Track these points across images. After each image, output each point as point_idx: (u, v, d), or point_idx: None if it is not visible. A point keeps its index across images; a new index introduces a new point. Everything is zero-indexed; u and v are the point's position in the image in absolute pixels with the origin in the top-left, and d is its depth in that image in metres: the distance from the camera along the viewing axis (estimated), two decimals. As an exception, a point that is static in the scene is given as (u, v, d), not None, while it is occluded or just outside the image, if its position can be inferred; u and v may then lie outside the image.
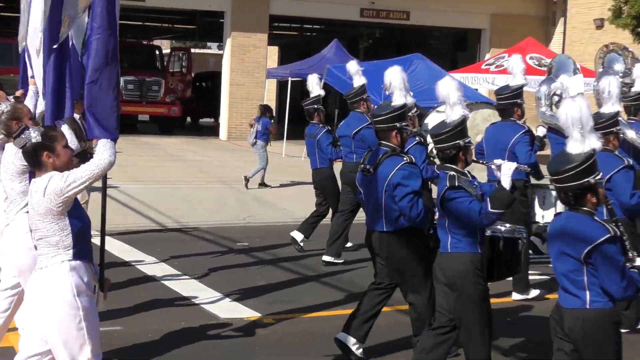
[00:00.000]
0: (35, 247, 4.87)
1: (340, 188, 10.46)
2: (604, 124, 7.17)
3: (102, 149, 4.76)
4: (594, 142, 4.69)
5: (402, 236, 6.41)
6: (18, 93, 7.90)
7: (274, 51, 36.75)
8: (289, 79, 24.54)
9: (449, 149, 5.71)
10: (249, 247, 11.05)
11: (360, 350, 6.57)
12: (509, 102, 8.69)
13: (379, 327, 6.84)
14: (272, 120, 16.75)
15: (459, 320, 5.67)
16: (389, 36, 34.03)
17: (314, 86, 10.96)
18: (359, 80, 10.15)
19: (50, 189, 4.57)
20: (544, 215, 7.77)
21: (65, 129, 5.98)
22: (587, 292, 4.62)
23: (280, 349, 6.93)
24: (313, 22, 34.33)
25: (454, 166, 5.69)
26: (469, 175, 5.73)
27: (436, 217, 6.39)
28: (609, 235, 4.54)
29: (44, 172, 4.67)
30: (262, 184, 16.09)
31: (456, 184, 5.55)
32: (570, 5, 29.91)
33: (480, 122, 8.71)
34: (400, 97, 6.60)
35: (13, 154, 5.85)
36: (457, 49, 34.00)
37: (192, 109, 33.82)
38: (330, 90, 28.88)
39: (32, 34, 6.62)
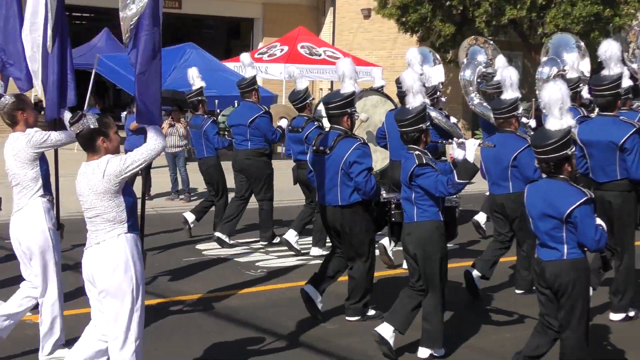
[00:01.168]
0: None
1: (224, 175, 11.13)
2: (506, 109, 8.08)
3: (155, 135, 5.37)
4: (570, 120, 5.53)
5: (355, 209, 7.23)
6: None
7: (41, 40, 35.54)
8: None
9: (413, 132, 6.51)
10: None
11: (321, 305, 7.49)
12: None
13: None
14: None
15: (424, 275, 6.50)
16: (162, 25, 33.57)
17: (195, 79, 11.20)
18: (250, 72, 10.75)
19: (110, 170, 5.12)
20: None
21: (67, 115, 6.56)
22: (565, 246, 5.50)
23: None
24: (82, 10, 33.11)
25: (417, 147, 6.49)
26: (429, 154, 6.53)
27: (382, 193, 7.47)
28: (586, 197, 5.38)
29: (97, 155, 5.21)
30: None
31: (424, 162, 6.35)
32: (338, -4, 31.05)
33: (370, 108, 9.58)
34: (350, 86, 7.35)
35: (24, 143, 6.24)
36: (230, 37, 34.09)
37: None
38: (105, 82, 28.01)
39: (29, 30, 7.01)
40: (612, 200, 7.60)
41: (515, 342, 6.64)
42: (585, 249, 5.61)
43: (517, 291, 8.50)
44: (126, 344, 5.26)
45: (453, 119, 11.75)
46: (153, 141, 5.36)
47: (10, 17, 7.25)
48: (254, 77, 10.68)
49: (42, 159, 6.43)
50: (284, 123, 10.70)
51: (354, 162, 7.10)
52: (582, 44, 12.29)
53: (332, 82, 28.62)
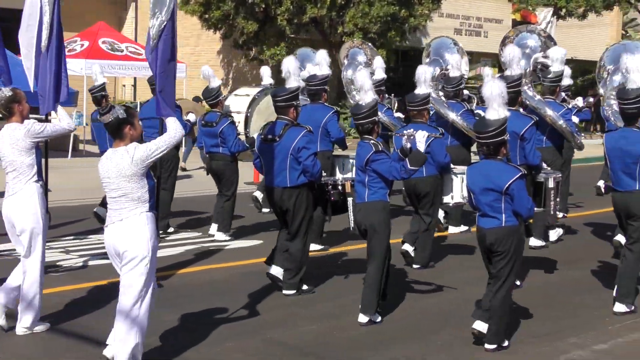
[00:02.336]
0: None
1: None
2: (420, 102, 9.29)
3: (174, 125, 6.21)
4: (505, 112, 6.65)
5: (301, 189, 8.24)
6: None
7: None
8: None
9: (368, 124, 7.52)
10: None
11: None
12: (318, 87, 10.50)
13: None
14: None
15: (371, 248, 7.49)
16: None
17: (98, 75, 11.89)
18: None
19: (137, 156, 5.91)
20: (344, 177, 9.48)
21: (60, 109, 7.61)
22: (503, 215, 6.61)
23: None
24: None
25: (371, 137, 7.47)
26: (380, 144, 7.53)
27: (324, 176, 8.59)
28: (520, 173, 6.51)
29: (124, 142, 5.98)
30: None
31: (380, 149, 7.33)
32: (140, -9, 30.51)
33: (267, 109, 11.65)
34: (294, 81, 8.46)
35: (23, 133, 7.03)
36: None
37: None
38: None
39: (25, 30, 7.95)
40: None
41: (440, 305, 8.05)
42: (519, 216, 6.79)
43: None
44: (140, 304, 6.08)
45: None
46: (173, 130, 6.17)
47: None
48: None
49: (37, 148, 7.20)
50: (192, 117, 12.12)
51: (302, 147, 8.12)
52: (460, 45, 13.63)
53: (135, 78, 28.50)
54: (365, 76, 7.88)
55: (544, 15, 35.61)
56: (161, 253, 9.65)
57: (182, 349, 6.81)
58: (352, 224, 8.80)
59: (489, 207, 6.76)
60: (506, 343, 6.92)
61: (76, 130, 20.13)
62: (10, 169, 7.14)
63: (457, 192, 9.57)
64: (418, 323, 7.84)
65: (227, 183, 11.39)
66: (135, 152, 5.99)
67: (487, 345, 6.87)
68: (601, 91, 11.38)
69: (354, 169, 9.00)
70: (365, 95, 7.74)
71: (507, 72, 9.17)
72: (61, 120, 7.58)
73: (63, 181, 15.36)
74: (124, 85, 31.06)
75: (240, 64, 30.44)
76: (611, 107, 10.62)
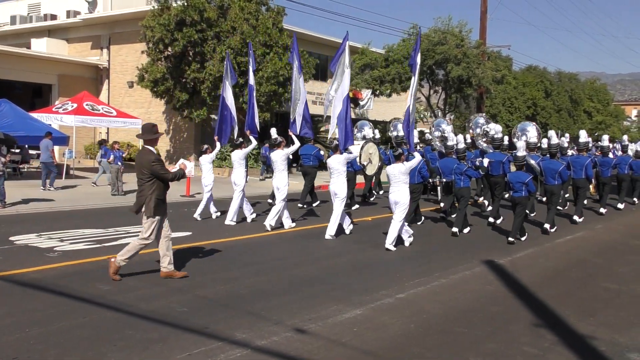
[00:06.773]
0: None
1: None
2: (456, 150, 14.59)
3: (418, 158, 11.15)
4: (524, 152, 13.37)
5: (420, 184, 14.37)
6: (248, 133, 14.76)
7: None
8: None
9: (463, 156, 13.97)
10: None
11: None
12: (400, 144, 15.64)
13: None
14: None
15: (460, 204, 13.70)
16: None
17: (273, 133, 14.62)
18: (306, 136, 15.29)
19: (407, 166, 10.94)
20: (433, 180, 15.12)
21: (296, 141, 12.52)
22: (523, 192, 12.92)
23: None
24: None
25: (463, 160, 13.92)
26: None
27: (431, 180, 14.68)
28: (532, 175, 13.42)
29: (400, 162, 11.03)
30: None
31: (470, 166, 13.69)
32: (111, 72, 34.56)
33: (369, 148, 16.41)
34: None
35: (284, 153, 12.49)
36: (35, 96, 36.31)
37: None
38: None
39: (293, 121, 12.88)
40: (500, 181, 15.65)
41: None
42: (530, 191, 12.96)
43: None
44: (400, 224, 11.12)
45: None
46: (417, 159, 10.93)
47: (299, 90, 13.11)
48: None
49: (288, 160, 12.39)
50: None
51: (422, 167, 13.90)
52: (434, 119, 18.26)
53: (107, 128, 31.12)
54: (457, 138, 13.94)
55: (366, 93, 39.99)
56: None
57: (138, 302, 7.39)
58: (439, 197, 14.62)
59: (519, 188, 12.13)
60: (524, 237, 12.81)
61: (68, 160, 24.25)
62: (276, 167, 11.95)
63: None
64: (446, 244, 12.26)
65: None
66: (407, 164, 10.67)
67: (523, 239, 12.48)
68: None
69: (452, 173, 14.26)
70: (459, 145, 13.75)
71: (492, 133, 15.65)
72: (294, 146, 11.90)
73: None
74: (100, 132, 34.45)
75: (177, 120, 32.04)
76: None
